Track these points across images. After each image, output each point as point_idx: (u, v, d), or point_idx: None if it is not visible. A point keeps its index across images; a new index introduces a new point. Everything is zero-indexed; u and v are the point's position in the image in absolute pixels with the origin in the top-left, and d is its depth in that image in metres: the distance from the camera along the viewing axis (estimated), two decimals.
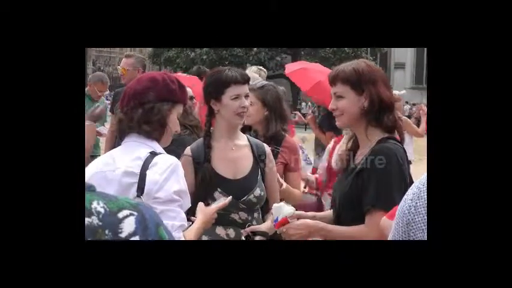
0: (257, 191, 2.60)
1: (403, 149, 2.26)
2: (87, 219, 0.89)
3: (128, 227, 0.92)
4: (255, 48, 22.40)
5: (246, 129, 3.07)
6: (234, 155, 2.64)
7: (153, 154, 2.02)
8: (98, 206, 0.91)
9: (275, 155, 2.98)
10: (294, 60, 24.18)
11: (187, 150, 2.65)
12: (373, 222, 2.12)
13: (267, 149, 2.75)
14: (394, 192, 2.10)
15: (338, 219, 2.30)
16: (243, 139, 2.72)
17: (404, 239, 1.37)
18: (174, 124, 2.15)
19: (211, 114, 2.67)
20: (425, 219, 1.31)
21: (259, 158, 2.68)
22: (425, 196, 1.32)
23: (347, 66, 2.28)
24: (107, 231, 0.90)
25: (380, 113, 2.22)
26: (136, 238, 0.92)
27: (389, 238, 1.45)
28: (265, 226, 2.56)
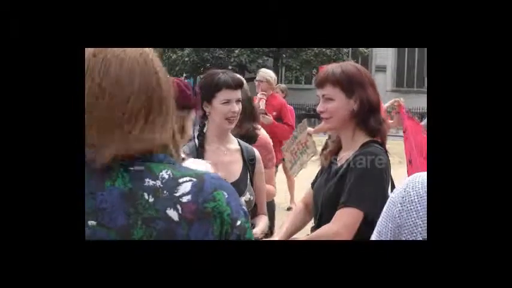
0: (247, 196, 2.61)
1: (386, 152, 2.27)
2: (152, 182, 1.07)
3: (183, 188, 1.08)
4: (237, 51, 22.40)
5: None
6: (227, 159, 2.65)
7: None
8: (165, 173, 1.09)
9: None
10: (275, 62, 24.18)
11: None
12: (341, 218, 2.13)
13: (257, 152, 2.76)
14: (368, 191, 2.11)
15: (320, 219, 2.30)
16: (234, 143, 2.72)
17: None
18: (189, 131, 2.12)
19: (204, 116, 2.66)
20: (416, 222, 1.33)
21: (249, 162, 2.69)
22: (417, 199, 1.33)
23: (336, 68, 2.27)
24: (165, 192, 1.07)
25: (368, 115, 2.23)
26: (189, 197, 1.07)
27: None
28: (260, 228, 2.59)
